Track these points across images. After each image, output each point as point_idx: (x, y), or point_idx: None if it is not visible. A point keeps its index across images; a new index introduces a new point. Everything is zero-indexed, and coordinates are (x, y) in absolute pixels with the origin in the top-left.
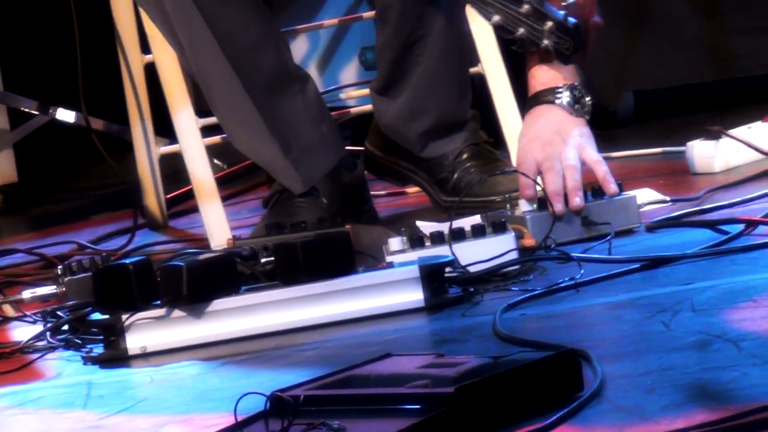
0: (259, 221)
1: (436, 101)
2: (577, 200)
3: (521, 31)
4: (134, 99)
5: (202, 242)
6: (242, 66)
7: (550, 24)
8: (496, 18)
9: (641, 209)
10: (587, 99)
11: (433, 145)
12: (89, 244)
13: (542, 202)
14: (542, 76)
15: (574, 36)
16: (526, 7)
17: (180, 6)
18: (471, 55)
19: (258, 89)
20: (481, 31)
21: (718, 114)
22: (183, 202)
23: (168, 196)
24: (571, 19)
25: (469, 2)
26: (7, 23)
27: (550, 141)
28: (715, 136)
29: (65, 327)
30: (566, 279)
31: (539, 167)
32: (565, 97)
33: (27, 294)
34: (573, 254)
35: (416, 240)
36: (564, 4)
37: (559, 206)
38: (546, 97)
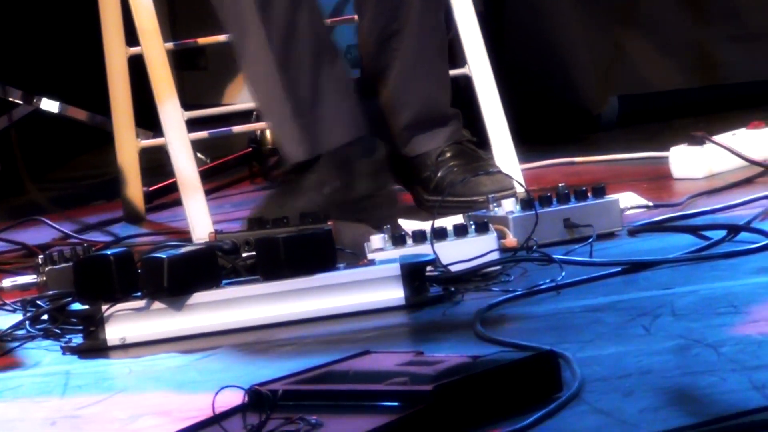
0: (262, 200)
1: (416, 95)
2: None
3: None
4: (117, 91)
5: (184, 235)
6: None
7: None
8: None
9: (624, 213)
10: None
11: (416, 141)
12: (73, 234)
13: (525, 204)
14: None
15: None
16: None
17: None
18: (447, 49)
19: (284, 45)
20: (468, 32)
21: (703, 120)
22: (163, 195)
23: (151, 188)
24: None
25: None
26: None
27: None
28: (699, 141)
29: (45, 316)
30: (547, 281)
31: None
32: None
33: (7, 282)
34: (554, 256)
35: (398, 238)
36: None
37: None
38: None
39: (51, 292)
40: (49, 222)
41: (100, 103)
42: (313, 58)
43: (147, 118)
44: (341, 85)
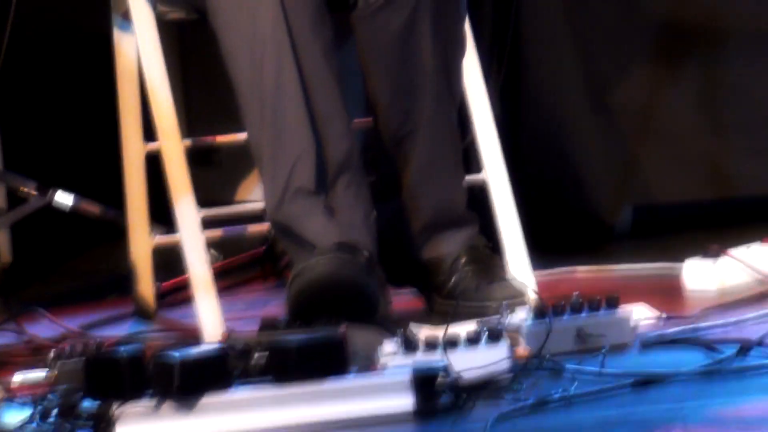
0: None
1: (431, 196)
2: None
3: None
4: (133, 187)
5: (195, 334)
6: None
7: None
8: None
9: (636, 325)
10: None
11: (432, 243)
12: (81, 330)
13: (538, 312)
14: None
15: None
16: None
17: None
18: (461, 151)
19: None
20: (485, 137)
21: (717, 233)
22: (176, 292)
23: (163, 284)
24: None
25: None
26: (9, 101)
27: None
28: (714, 254)
29: (55, 411)
30: (559, 391)
31: None
32: None
33: (18, 377)
34: (566, 366)
35: (410, 344)
36: None
37: None
38: None
39: (62, 387)
40: (48, 315)
41: (114, 196)
42: (341, 176)
43: (160, 212)
44: (362, 201)
